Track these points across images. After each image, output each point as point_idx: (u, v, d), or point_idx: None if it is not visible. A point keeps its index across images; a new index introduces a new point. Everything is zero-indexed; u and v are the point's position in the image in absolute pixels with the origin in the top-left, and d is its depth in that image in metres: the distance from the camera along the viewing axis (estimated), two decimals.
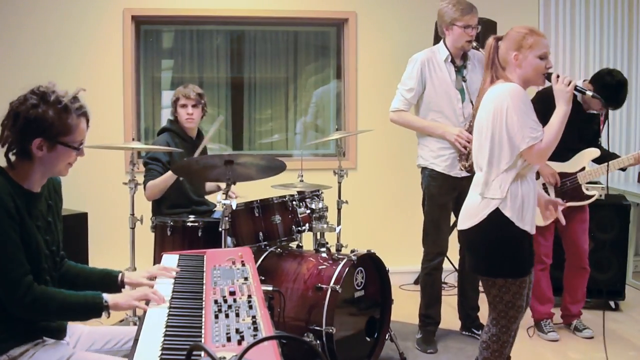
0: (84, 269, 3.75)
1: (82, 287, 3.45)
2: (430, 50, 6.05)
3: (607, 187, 5.47)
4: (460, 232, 4.43)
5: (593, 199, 6.17)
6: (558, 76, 4.19)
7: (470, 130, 5.59)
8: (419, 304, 6.17)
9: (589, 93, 4.37)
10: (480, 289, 6.33)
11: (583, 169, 6.15)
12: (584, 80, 6.17)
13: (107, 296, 3.30)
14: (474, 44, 5.80)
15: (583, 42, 8.34)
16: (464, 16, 5.72)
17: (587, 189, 6.17)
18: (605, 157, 6.10)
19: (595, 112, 6.18)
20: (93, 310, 3.28)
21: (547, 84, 4.32)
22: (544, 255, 6.26)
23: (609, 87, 5.95)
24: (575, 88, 4.19)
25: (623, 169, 6.32)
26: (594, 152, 6.20)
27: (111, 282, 3.67)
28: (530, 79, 4.27)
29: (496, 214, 4.17)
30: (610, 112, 8.04)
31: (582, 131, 6.11)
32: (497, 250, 4.25)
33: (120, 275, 3.69)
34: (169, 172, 5.78)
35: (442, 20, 5.87)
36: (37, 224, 3.30)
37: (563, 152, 5.78)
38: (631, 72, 8.52)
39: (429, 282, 6.12)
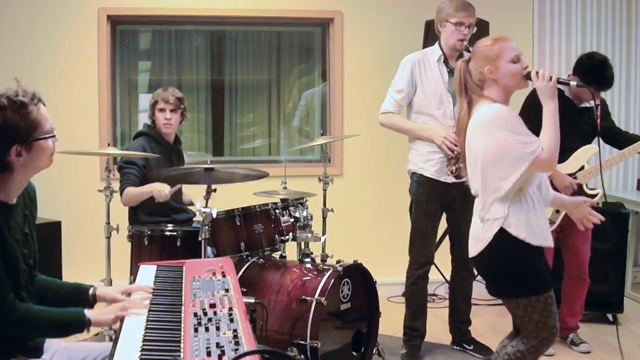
0: (54, 283, 3.73)
1: (51, 302, 3.46)
2: (423, 51, 6.09)
3: (602, 187, 5.41)
4: (472, 259, 4.45)
5: (597, 198, 6.09)
6: (537, 73, 4.21)
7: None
8: (404, 316, 6.16)
9: (573, 83, 4.38)
10: (474, 302, 6.37)
11: (582, 167, 6.13)
12: (569, 75, 6.18)
13: (88, 312, 3.31)
14: (466, 43, 5.81)
15: (579, 42, 8.35)
16: (458, 12, 5.74)
17: (589, 189, 6.17)
18: (626, 140, 6.18)
19: (588, 105, 6.17)
20: (75, 327, 3.30)
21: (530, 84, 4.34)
22: None
23: (593, 69, 5.95)
24: (558, 81, 4.20)
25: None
26: (591, 149, 6.15)
27: (82, 297, 3.66)
28: (511, 86, 4.27)
29: (501, 234, 4.18)
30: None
31: (579, 128, 6.10)
32: (511, 270, 4.26)
33: (92, 289, 3.68)
34: (149, 187, 5.78)
35: (438, 17, 5.90)
36: (15, 237, 3.30)
37: (562, 152, 5.80)
38: (630, 72, 8.56)
39: (415, 292, 6.10)
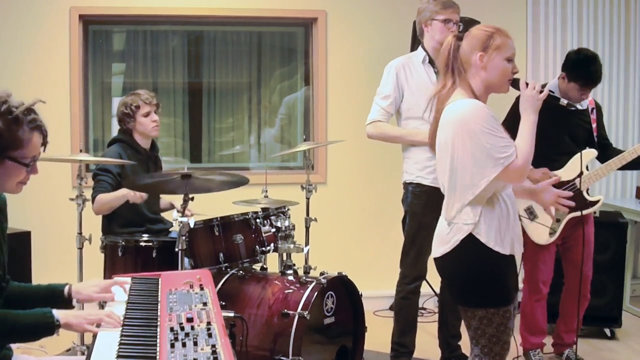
0: (28, 288, 3.74)
1: (29, 308, 3.47)
2: (407, 56, 6.10)
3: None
4: (435, 259, 4.38)
5: (598, 205, 6.09)
6: (527, 83, 4.18)
7: None
8: (392, 331, 6.13)
9: (564, 101, 4.36)
10: None
11: (581, 173, 6.08)
12: (559, 77, 6.17)
13: (57, 313, 3.27)
14: None
15: (575, 43, 8.33)
16: (445, 10, 5.79)
17: (589, 195, 6.14)
18: (612, 154, 6.13)
19: (580, 107, 6.17)
20: (44, 329, 3.25)
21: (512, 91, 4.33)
22: (542, 283, 6.15)
23: (578, 63, 5.92)
24: (549, 96, 4.19)
25: (634, 167, 6.19)
26: (591, 153, 6.08)
27: (57, 297, 3.67)
28: (495, 84, 4.20)
29: (470, 240, 4.10)
30: (606, 112, 8.08)
31: (572, 130, 6.06)
32: (474, 278, 4.18)
33: (66, 288, 3.69)
34: (122, 191, 5.78)
35: (422, 17, 5.92)
36: None
37: (557, 157, 5.78)
38: (628, 72, 8.60)
39: (405, 307, 6.07)
